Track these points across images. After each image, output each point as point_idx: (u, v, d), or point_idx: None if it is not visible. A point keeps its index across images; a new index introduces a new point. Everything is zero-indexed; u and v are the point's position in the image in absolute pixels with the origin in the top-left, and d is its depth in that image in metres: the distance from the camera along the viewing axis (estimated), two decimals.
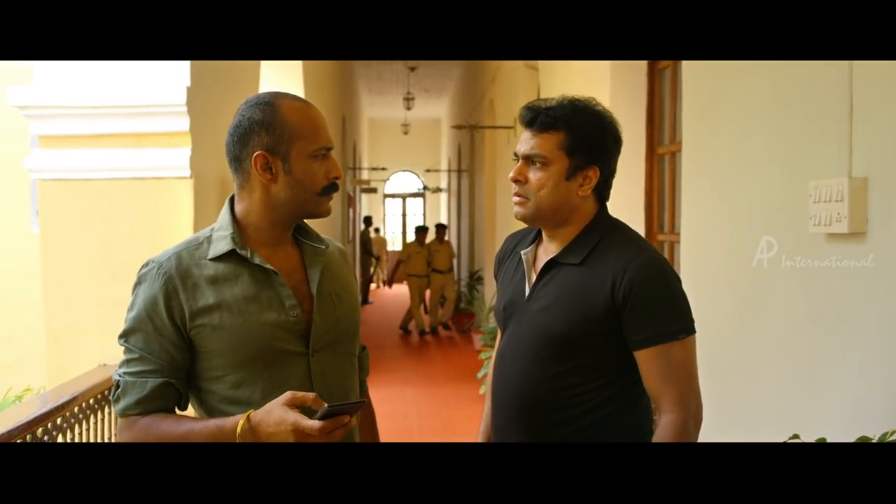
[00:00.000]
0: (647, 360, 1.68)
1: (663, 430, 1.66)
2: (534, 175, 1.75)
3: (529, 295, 1.80)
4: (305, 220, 1.68)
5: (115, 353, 3.10)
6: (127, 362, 1.56)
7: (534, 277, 1.81)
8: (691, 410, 1.67)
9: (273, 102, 1.57)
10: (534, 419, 1.76)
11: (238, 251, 1.56)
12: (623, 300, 1.67)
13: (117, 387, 1.56)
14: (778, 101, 2.41)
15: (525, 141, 1.77)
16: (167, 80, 3.32)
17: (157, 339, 1.53)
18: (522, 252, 1.85)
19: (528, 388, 1.76)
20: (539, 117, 1.74)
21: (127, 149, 3.35)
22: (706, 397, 1.74)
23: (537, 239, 1.86)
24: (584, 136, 1.73)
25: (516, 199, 1.79)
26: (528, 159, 1.76)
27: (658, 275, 1.71)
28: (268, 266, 1.57)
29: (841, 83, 2.02)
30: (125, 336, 1.57)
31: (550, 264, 1.79)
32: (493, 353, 1.97)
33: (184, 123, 3.33)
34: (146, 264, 1.58)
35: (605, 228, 1.78)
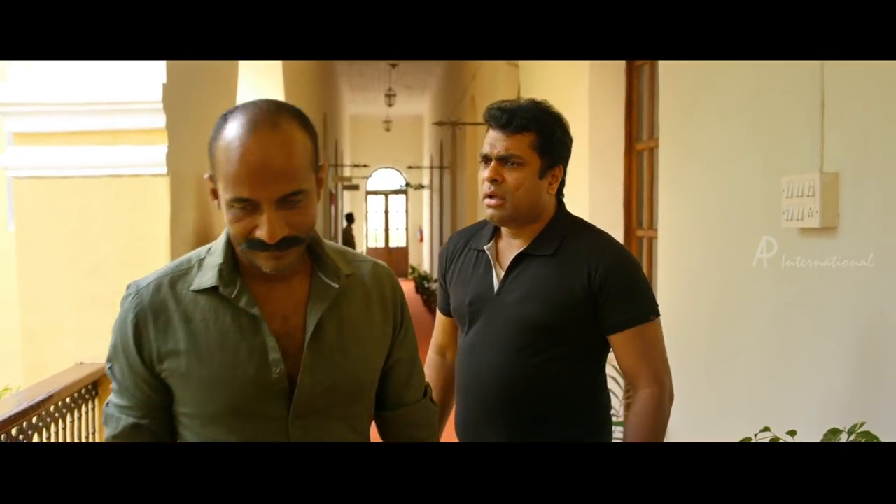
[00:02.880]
0: (624, 342, 1.79)
1: (642, 402, 1.77)
2: (510, 175, 1.80)
3: (500, 288, 1.85)
4: (325, 243, 1.39)
5: (91, 352, 3.10)
6: (113, 391, 1.39)
7: (501, 272, 1.86)
8: (667, 386, 1.80)
9: (223, 123, 1.26)
10: (513, 408, 1.81)
11: (220, 290, 1.31)
12: (600, 287, 1.77)
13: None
14: (753, 98, 2.43)
15: (499, 142, 1.80)
16: (143, 76, 3.29)
17: (130, 375, 1.34)
18: (485, 247, 1.90)
19: (505, 378, 1.81)
20: (514, 119, 1.80)
21: (103, 146, 3.31)
22: (681, 389, 1.79)
23: (495, 235, 1.92)
24: (550, 136, 1.82)
25: (492, 200, 1.82)
26: (503, 160, 1.80)
27: (627, 263, 1.83)
28: (253, 311, 1.31)
29: (813, 82, 2.04)
30: (110, 361, 1.38)
31: (520, 257, 1.85)
32: (453, 349, 2.02)
33: (160, 120, 3.30)
34: (129, 287, 1.37)
35: (569, 222, 1.89)
